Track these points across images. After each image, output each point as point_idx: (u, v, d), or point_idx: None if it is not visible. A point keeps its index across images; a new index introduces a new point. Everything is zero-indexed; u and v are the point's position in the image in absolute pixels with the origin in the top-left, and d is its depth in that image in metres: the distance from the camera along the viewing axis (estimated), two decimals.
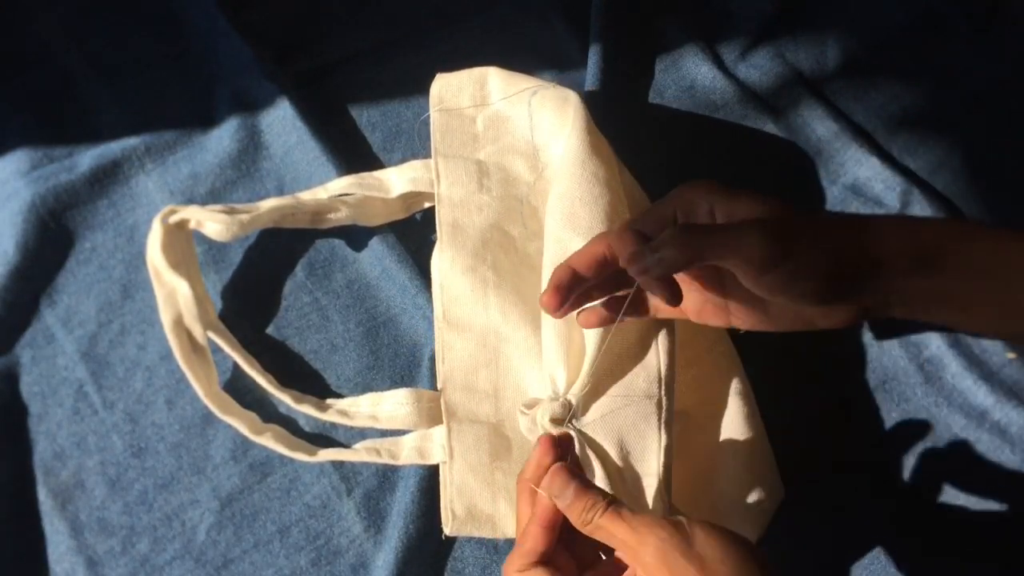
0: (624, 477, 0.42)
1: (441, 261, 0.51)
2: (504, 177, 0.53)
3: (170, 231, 0.51)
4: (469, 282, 0.50)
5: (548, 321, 0.45)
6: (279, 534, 0.51)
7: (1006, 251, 0.37)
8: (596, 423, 0.43)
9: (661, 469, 0.42)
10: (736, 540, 0.35)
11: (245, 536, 0.50)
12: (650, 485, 0.42)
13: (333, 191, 0.54)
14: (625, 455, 0.42)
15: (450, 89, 0.55)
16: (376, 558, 0.50)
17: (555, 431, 0.42)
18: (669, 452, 0.43)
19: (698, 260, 0.36)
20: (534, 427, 0.43)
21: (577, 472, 0.39)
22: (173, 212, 0.52)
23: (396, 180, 0.54)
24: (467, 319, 0.50)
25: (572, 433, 0.42)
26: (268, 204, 0.53)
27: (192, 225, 0.52)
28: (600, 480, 0.42)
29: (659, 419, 0.43)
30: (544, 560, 0.38)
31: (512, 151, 0.54)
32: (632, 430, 0.42)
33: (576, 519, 0.37)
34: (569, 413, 0.42)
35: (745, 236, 0.36)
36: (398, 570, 0.49)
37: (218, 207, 0.52)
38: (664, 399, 0.43)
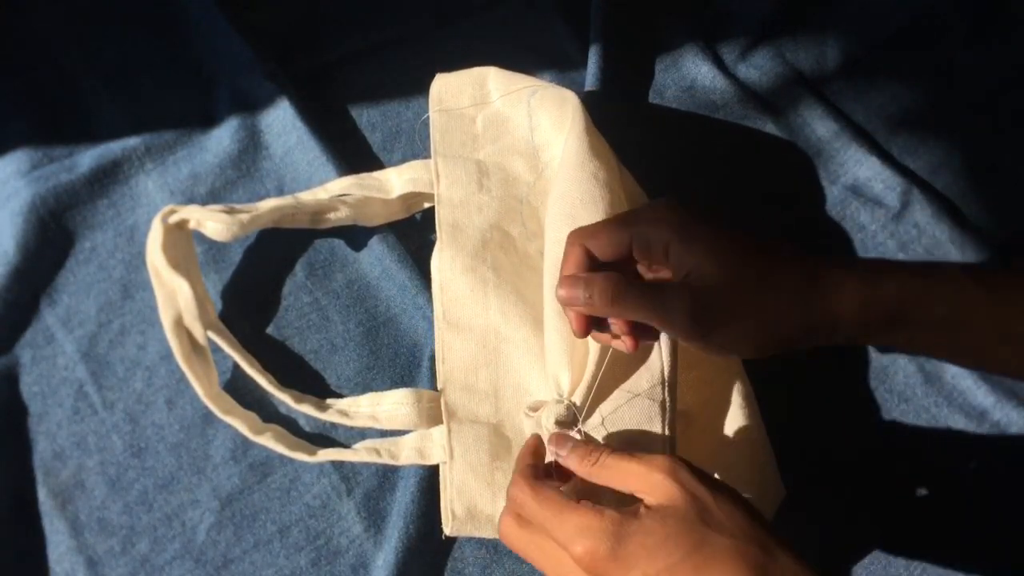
0: None
1: (441, 261, 0.51)
2: (504, 177, 0.53)
3: (170, 231, 0.51)
4: (469, 282, 0.50)
5: (551, 323, 0.45)
6: (279, 534, 0.51)
7: (970, 303, 0.37)
8: (600, 425, 0.43)
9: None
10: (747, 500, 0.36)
11: (245, 536, 0.50)
12: None
13: (333, 192, 0.54)
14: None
15: (450, 89, 0.55)
16: (376, 558, 0.50)
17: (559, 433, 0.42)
18: (672, 452, 0.43)
19: (621, 316, 0.37)
20: (539, 429, 0.43)
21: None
22: (173, 212, 0.52)
23: (396, 180, 0.54)
24: (467, 319, 0.50)
25: (576, 436, 0.42)
26: (268, 204, 0.53)
27: (192, 225, 0.52)
28: None
29: (663, 420, 0.43)
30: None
31: (512, 151, 0.54)
32: (636, 431, 0.42)
33: (580, 465, 0.38)
34: (573, 415, 0.42)
35: (672, 310, 0.37)
36: (398, 570, 0.49)
37: (218, 207, 0.52)
38: (667, 400, 0.43)
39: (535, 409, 0.44)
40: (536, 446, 0.41)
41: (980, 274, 0.38)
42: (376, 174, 0.55)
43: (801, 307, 0.37)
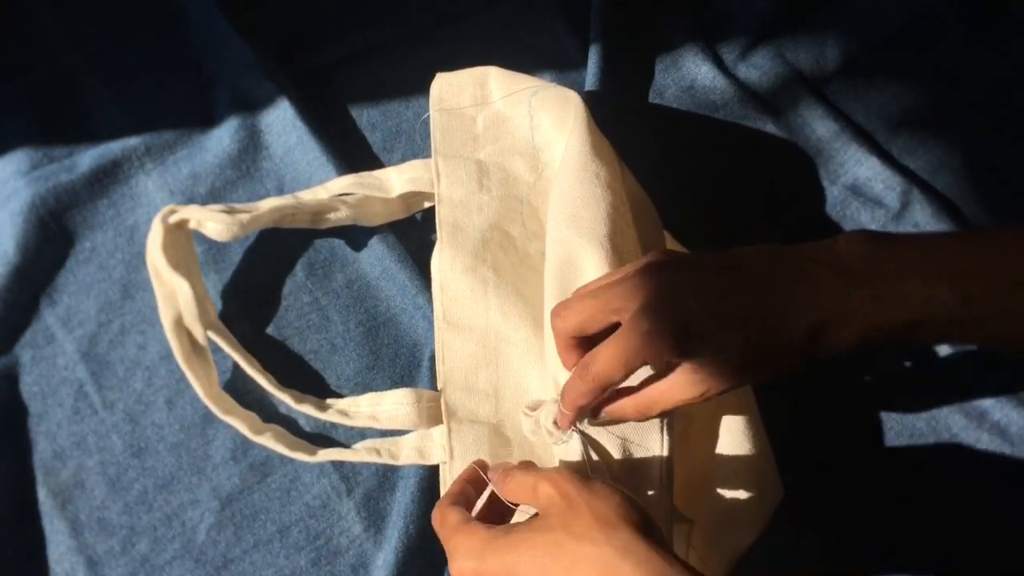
0: (628, 478, 0.42)
1: (441, 261, 0.51)
2: (504, 177, 0.53)
3: (170, 231, 0.51)
4: (469, 282, 0.50)
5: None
6: (279, 534, 0.51)
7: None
8: (601, 428, 0.43)
9: (663, 470, 0.42)
10: (628, 496, 0.35)
11: (245, 536, 0.50)
12: (652, 485, 0.42)
13: (333, 191, 0.54)
14: (628, 456, 0.42)
15: (450, 89, 0.55)
16: (376, 558, 0.50)
17: (557, 432, 0.42)
18: (671, 452, 0.43)
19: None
20: (538, 429, 0.43)
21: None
22: (173, 212, 0.52)
23: (396, 180, 0.54)
24: (467, 319, 0.50)
25: (576, 435, 0.42)
26: (268, 204, 0.53)
27: (192, 225, 0.52)
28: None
29: (661, 420, 0.43)
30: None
31: (512, 151, 0.54)
32: (634, 431, 0.42)
33: (499, 484, 0.39)
34: None
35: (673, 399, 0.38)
36: (398, 570, 0.49)
37: (218, 207, 0.52)
38: None
39: (534, 408, 0.44)
40: (471, 475, 0.41)
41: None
42: (376, 173, 0.55)
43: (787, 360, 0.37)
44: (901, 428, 0.53)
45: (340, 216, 0.54)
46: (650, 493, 0.42)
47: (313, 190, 0.55)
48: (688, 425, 0.48)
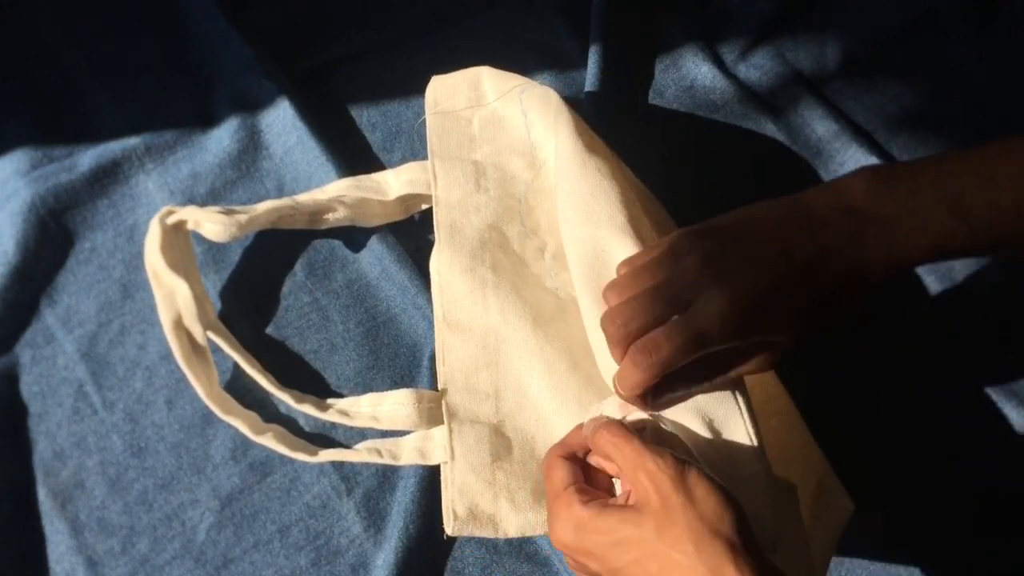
0: (715, 447, 0.41)
1: (440, 262, 0.51)
2: (501, 176, 0.54)
3: (168, 232, 0.51)
4: (468, 283, 0.50)
5: (593, 318, 0.44)
6: (279, 534, 0.51)
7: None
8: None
9: (753, 439, 0.41)
10: (725, 489, 0.34)
11: (245, 536, 0.50)
12: (746, 459, 0.41)
13: (330, 194, 0.54)
14: (716, 433, 0.41)
15: (445, 91, 0.55)
16: (376, 558, 0.50)
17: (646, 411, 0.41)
18: (754, 419, 0.41)
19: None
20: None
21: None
22: (171, 213, 0.52)
23: (393, 182, 0.54)
24: (467, 320, 0.50)
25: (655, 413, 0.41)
26: (265, 205, 0.53)
27: (190, 226, 0.52)
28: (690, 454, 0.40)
29: (733, 391, 0.41)
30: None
31: (509, 150, 0.54)
32: (711, 405, 0.41)
33: (612, 457, 0.37)
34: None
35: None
36: (398, 570, 0.49)
37: (216, 208, 0.52)
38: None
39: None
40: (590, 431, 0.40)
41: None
42: (374, 176, 0.55)
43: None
44: (901, 425, 0.53)
45: (338, 216, 0.53)
46: (742, 459, 0.41)
47: (311, 193, 0.55)
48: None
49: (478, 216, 0.52)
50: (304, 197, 0.54)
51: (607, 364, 0.43)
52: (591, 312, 0.44)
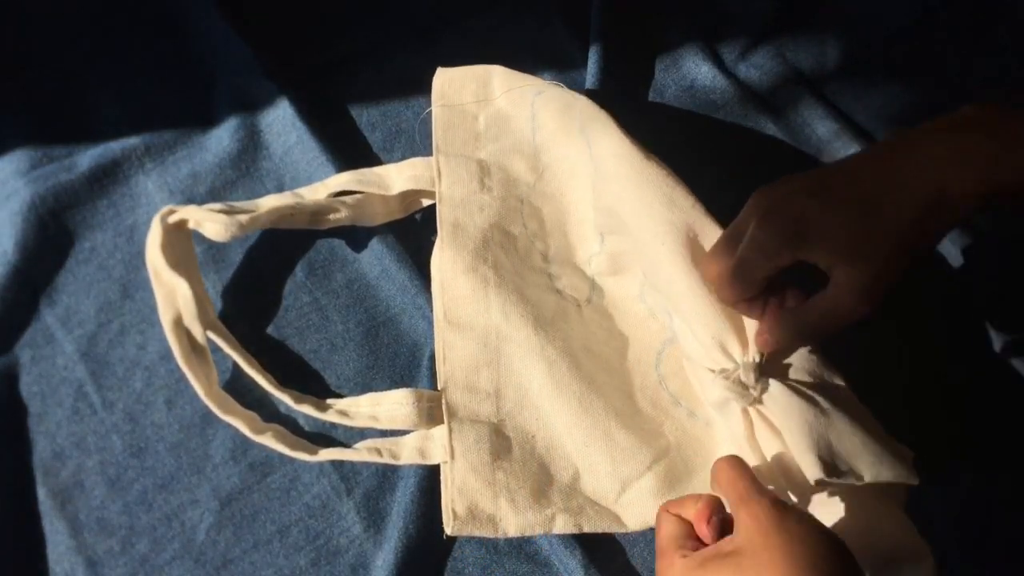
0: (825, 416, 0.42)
1: (442, 261, 0.51)
2: (504, 177, 0.53)
3: (169, 231, 0.51)
4: (470, 282, 0.50)
5: (697, 293, 0.45)
6: (279, 534, 0.50)
7: None
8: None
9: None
10: (828, 531, 0.34)
11: (245, 536, 0.50)
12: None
13: (332, 188, 0.54)
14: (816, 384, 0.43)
15: (453, 84, 0.55)
16: (376, 558, 0.50)
17: (757, 386, 0.43)
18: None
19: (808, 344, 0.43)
20: (738, 391, 0.43)
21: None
22: (172, 212, 0.52)
23: (396, 177, 0.54)
24: (468, 319, 0.50)
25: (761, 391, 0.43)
26: (267, 204, 0.53)
27: (191, 225, 0.52)
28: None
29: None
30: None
31: (513, 151, 0.54)
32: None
33: (714, 468, 0.39)
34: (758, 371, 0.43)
35: (848, 316, 0.40)
36: (398, 570, 0.48)
37: (217, 206, 0.52)
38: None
39: (721, 371, 0.44)
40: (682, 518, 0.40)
41: None
42: (376, 170, 0.55)
43: (928, 236, 0.39)
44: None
45: (339, 217, 0.54)
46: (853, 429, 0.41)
47: (313, 187, 0.55)
48: None
49: (481, 215, 0.52)
50: (306, 191, 0.54)
51: (718, 327, 0.44)
52: (693, 286, 0.45)
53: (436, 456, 0.49)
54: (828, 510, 0.42)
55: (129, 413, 0.52)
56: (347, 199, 0.54)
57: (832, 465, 0.40)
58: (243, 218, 0.51)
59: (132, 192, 0.56)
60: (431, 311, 0.52)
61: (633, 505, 0.47)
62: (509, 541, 0.50)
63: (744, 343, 0.44)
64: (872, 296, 0.39)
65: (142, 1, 0.61)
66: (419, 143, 0.59)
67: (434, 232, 0.52)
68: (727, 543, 0.35)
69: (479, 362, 0.50)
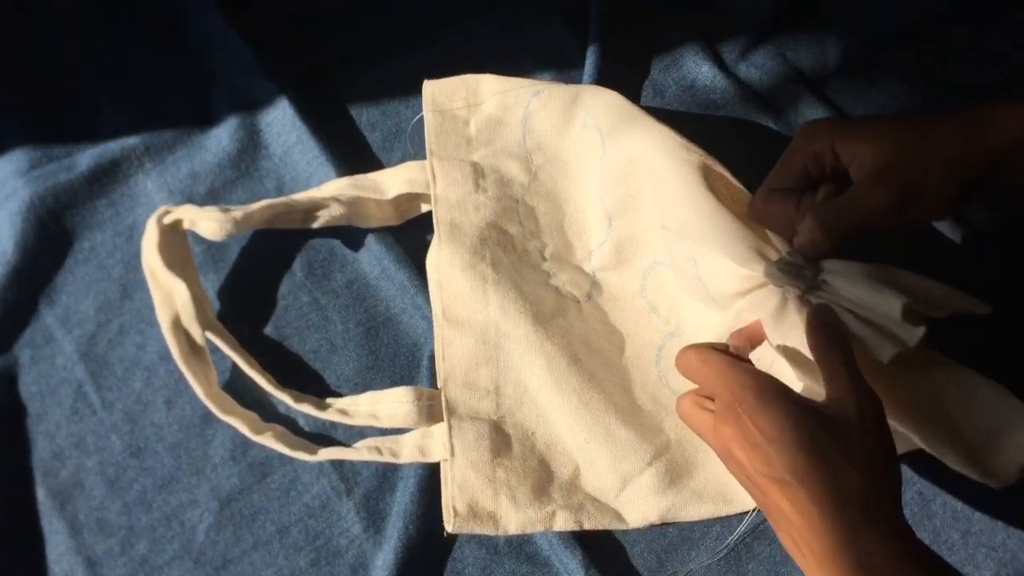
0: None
1: (440, 259, 0.51)
2: (499, 179, 0.54)
3: (165, 232, 0.51)
4: (468, 279, 0.50)
5: (727, 215, 0.46)
6: (278, 534, 0.50)
7: None
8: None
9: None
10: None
11: (244, 536, 0.50)
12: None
13: (328, 193, 0.54)
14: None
15: (443, 93, 0.55)
16: (376, 558, 0.50)
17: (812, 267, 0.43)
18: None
19: (839, 239, 0.41)
20: (795, 274, 0.43)
21: None
22: (167, 213, 0.52)
23: (391, 181, 0.54)
24: (467, 316, 0.50)
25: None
26: (261, 203, 0.53)
27: (186, 225, 0.52)
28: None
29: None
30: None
31: (505, 154, 0.54)
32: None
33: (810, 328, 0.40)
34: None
35: (868, 203, 0.40)
36: (398, 570, 0.48)
37: (212, 207, 0.52)
38: None
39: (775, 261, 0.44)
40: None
41: None
42: (371, 175, 0.55)
43: (975, 156, 0.40)
44: None
45: (334, 214, 0.53)
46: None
47: (307, 193, 0.54)
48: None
49: (478, 215, 0.52)
50: (300, 197, 0.54)
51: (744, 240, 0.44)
52: (728, 223, 0.45)
53: (436, 454, 0.49)
54: (915, 386, 0.43)
55: (128, 413, 0.52)
56: (342, 197, 0.54)
57: (908, 302, 0.40)
58: (237, 215, 0.51)
59: (132, 192, 0.56)
60: (430, 311, 0.52)
61: (633, 502, 0.47)
62: (509, 541, 0.50)
63: (778, 252, 0.44)
64: (887, 180, 0.40)
65: (142, 1, 0.61)
66: (417, 145, 0.59)
67: (432, 233, 0.52)
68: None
69: (478, 359, 0.50)
